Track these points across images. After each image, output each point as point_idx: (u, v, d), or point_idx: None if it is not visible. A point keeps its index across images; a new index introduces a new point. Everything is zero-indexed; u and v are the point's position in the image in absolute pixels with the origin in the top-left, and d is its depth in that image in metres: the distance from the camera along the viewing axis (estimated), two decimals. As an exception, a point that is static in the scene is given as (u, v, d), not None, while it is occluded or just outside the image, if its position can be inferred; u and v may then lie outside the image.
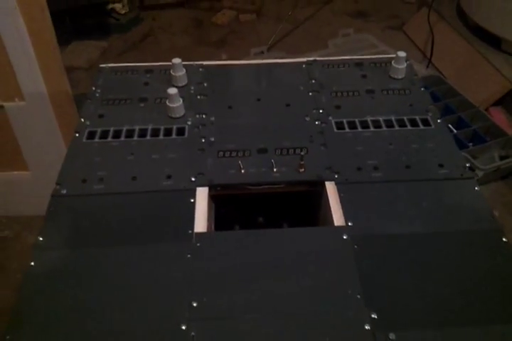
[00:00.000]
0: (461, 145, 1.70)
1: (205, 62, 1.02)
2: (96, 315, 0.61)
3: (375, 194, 0.76)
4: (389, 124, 0.87)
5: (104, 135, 0.85)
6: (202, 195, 0.76)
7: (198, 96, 0.93)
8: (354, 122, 0.87)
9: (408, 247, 0.68)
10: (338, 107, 0.91)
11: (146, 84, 0.96)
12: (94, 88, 0.96)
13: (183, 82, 0.95)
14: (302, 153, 0.80)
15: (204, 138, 0.85)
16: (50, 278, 0.65)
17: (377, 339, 0.58)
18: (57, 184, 0.77)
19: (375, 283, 0.64)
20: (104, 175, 0.78)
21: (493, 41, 2.01)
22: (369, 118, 0.88)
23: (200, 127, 0.87)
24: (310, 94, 0.94)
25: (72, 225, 0.72)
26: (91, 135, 0.86)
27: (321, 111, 0.90)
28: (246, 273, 0.65)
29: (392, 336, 0.58)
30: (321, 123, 0.87)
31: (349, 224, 0.71)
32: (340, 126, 0.87)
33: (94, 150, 0.83)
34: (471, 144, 1.75)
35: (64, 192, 0.76)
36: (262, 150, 0.82)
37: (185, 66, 0.95)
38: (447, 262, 0.67)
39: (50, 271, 0.66)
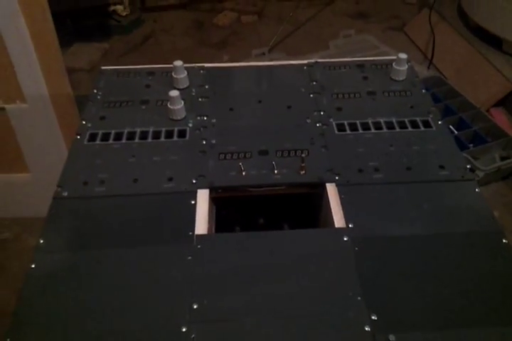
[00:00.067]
0: (462, 146, 1.70)
1: (206, 65, 1.02)
2: (97, 317, 0.61)
3: (376, 196, 0.76)
4: (390, 126, 0.87)
5: (106, 137, 0.86)
6: (203, 197, 0.76)
7: (200, 99, 0.94)
8: (355, 124, 0.87)
9: (409, 249, 0.68)
10: (339, 109, 0.91)
11: (148, 86, 0.97)
12: (95, 90, 0.96)
13: (185, 84, 0.95)
14: (303, 155, 0.80)
15: (205, 140, 0.85)
16: (51, 281, 0.65)
17: (377, 340, 0.58)
18: (58, 186, 0.77)
19: (375, 284, 0.64)
20: (105, 177, 0.79)
21: (494, 42, 2.01)
22: (370, 120, 0.88)
23: (202, 129, 0.87)
24: (311, 95, 0.94)
25: (73, 227, 0.72)
26: (92, 137, 0.86)
27: (322, 113, 0.90)
28: (247, 275, 0.65)
29: (392, 338, 0.58)
30: (322, 125, 0.87)
31: (350, 225, 0.71)
32: (341, 127, 0.87)
33: (96, 153, 0.83)
34: (471, 145, 1.75)
35: (65, 194, 0.76)
36: (263, 152, 0.82)
37: (186, 68, 0.95)
38: (448, 264, 0.67)
39: (51, 273, 0.66)
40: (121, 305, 0.62)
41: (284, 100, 0.93)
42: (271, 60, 2.13)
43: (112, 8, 2.46)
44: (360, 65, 1.01)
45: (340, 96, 0.94)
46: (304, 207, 0.86)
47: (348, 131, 0.86)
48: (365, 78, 0.98)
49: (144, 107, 0.92)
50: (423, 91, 0.95)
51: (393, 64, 0.97)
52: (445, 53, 2.17)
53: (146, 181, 0.78)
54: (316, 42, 2.34)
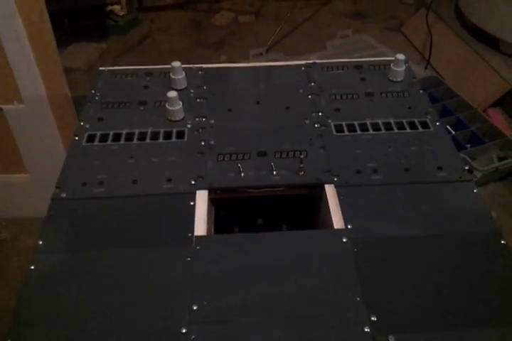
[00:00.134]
0: (460, 146, 1.70)
1: (204, 65, 1.02)
2: (96, 318, 0.61)
3: (375, 197, 0.76)
4: (388, 127, 0.87)
5: (104, 138, 0.86)
6: (202, 198, 0.76)
7: (198, 100, 0.94)
8: (353, 125, 0.87)
9: (407, 250, 0.69)
10: (337, 110, 0.91)
11: (146, 87, 0.97)
12: (93, 91, 0.96)
13: (183, 85, 0.95)
14: (302, 156, 0.80)
15: (204, 141, 0.85)
16: (50, 282, 0.65)
17: None
18: (56, 187, 0.77)
19: (374, 285, 0.64)
20: (104, 178, 0.78)
21: (491, 42, 2.01)
22: (368, 121, 0.88)
23: (200, 130, 0.87)
24: (309, 96, 0.94)
25: (72, 229, 0.72)
26: (90, 138, 0.86)
27: (320, 114, 0.90)
28: (246, 276, 0.65)
29: (391, 338, 0.59)
30: (321, 126, 0.88)
31: (349, 226, 0.71)
32: (339, 128, 0.87)
33: (94, 154, 0.83)
34: (469, 145, 1.75)
35: (64, 195, 0.76)
36: (262, 154, 0.82)
37: (184, 69, 0.95)
38: (446, 264, 0.67)
39: (50, 274, 0.66)
40: (120, 306, 0.62)
41: (282, 101, 0.93)
42: (268, 60, 2.13)
43: (109, 8, 2.45)
44: (358, 66, 1.02)
45: (339, 97, 0.94)
46: (302, 208, 0.86)
47: (347, 132, 0.86)
48: (363, 79, 0.98)
49: (142, 108, 0.92)
50: (421, 92, 0.95)
51: (391, 65, 0.97)
52: (442, 53, 2.17)
53: (144, 182, 0.78)
54: (313, 43, 2.34)
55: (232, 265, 0.67)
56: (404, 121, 0.88)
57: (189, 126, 0.88)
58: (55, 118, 1.39)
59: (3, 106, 1.36)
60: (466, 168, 0.81)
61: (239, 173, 0.79)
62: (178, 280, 0.65)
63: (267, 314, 0.61)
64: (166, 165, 0.81)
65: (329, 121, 0.89)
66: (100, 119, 0.89)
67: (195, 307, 0.61)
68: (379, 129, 0.87)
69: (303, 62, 1.03)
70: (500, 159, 1.71)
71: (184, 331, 0.59)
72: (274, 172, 0.79)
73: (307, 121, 0.89)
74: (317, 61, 1.03)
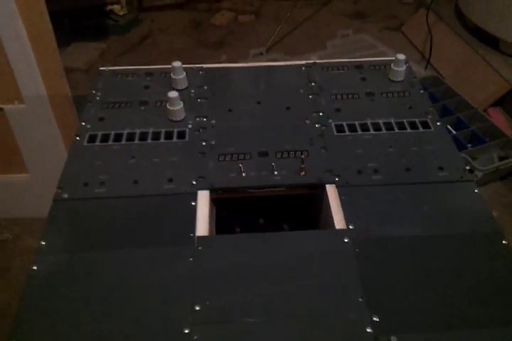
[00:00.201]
0: (460, 146, 1.70)
1: (205, 65, 1.02)
2: (98, 319, 0.61)
3: (376, 197, 0.76)
4: (389, 127, 0.87)
5: (105, 138, 0.86)
6: (203, 198, 0.76)
7: (199, 100, 0.94)
8: (354, 125, 0.87)
9: (409, 250, 0.69)
10: (338, 110, 0.91)
11: (147, 87, 0.97)
12: (94, 91, 0.96)
13: (184, 85, 0.95)
14: (303, 156, 0.80)
15: (205, 141, 0.85)
16: (52, 282, 0.65)
17: None
18: (58, 188, 0.77)
19: (376, 285, 0.64)
20: (105, 178, 0.78)
21: (491, 42, 2.02)
22: (369, 121, 0.88)
23: (201, 130, 0.87)
24: (310, 96, 0.94)
25: (74, 229, 0.72)
26: (92, 138, 0.86)
27: (321, 114, 0.90)
28: (248, 277, 0.65)
29: (393, 339, 0.59)
30: (321, 126, 0.88)
31: (350, 227, 0.71)
32: (340, 128, 0.87)
33: (95, 154, 0.83)
34: (470, 145, 1.75)
35: (65, 196, 0.76)
36: (263, 154, 0.82)
37: (185, 69, 0.95)
38: (448, 265, 0.67)
39: (52, 274, 0.66)
40: (123, 306, 0.62)
41: (282, 101, 0.93)
42: (269, 60, 2.13)
43: (109, 7, 2.45)
44: (359, 66, 1.02)
45: (339, 97, 0.94)
46: (303, 209, 0.86)
47: (347, 132, 0.86)
48: (364, 79, 0.98)
49: (143, 108, 0.92)
50: (421, 91, 0.95)
51: (391, 65, 0.97)
52: (442, 53, 2.17)
53: (146, 182, 0.78)
54: (313, 42, 2.34)
55: (234, 265, 0.67)
56: (404, 121, 0.88)
57: (190, 126, 0.88)
58: (56, 118, 1.39)
59: (3, 106, 1.36)
60: (467, 168, 0.81)
61: (240, 173, 0.79)
62: (180, 280, 0.65)
63: (269, 314, 0.61)
64: (167, 166, 0.81)
65: (330, 121, 0.89)
66: (101, 119, 0.90)
67: (197, 308, 0.62)
68: (380, 129, 0.87)
69: (303, 62, 1.03)
70: (500, 159, 1.71)
71: (187, 331, 0.59)
72: (275, 173, 0.79)
73: (308, 121, 0.89)
74: (317, 61, 1.03)
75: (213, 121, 0.89)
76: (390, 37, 2.44)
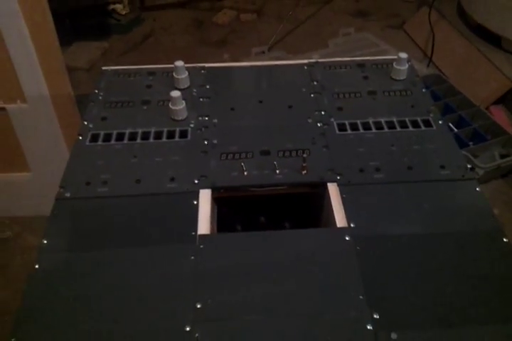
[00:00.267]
0: (462, 143, 1.71)
1: (207, 64, 1.03)
2: (100, 317, 0.62)
3: (377, 195, 0.76)
4: (391, 126, 0.87)
5: (107, 138, 0.86)
6: (205, 197, 0.76)
7: (201, 99, 0.94)
8: (356, 124, 0.88)
9: (410, 248, 0.69)
10: (340, 109, 0.91)
11: (149, 86, 0.97)
12: (96, 91, 0.96)
13: (186, 84, 0.95)
14: (304, 155, 0.80)
15: (207, 140, 0.85)
16: (55, 281, 0.65)
17: (379, 339, 0.59)
18: (60, 187, 0.78)
19: (377, 283, 0.64)
20: (107, 177, 0.79)
21: (493, 40, 2.01)
22: (371, 120, 0.88)
23: (203, 129, 0.87)
24: (312, 95, 0.94)
25: (76, 228, 0.72)
26: (94, 138, 0.86)
27: (323, 112, 0.90)
28: (249, 275, 0.66)
29: (394, 336, 0.59)
30: (323, 125, 0.88)
31: (351, 225, 0.71)
32: (342, 127, 0.87)
33: (98, 153, 0.83)
34: (471, 143, 1.75)
35: (68, 195, 0.76)
36: (265, 152, 0.83)
37: (187, 68, 0.95)
38: (449, 262, 0.67)
39: (54, 273, 0.66)
40: (125, 304, 0.63)
41: (285, 100, 0.94)
42: (271, 58, 2.13)
43: (112, 7, 2.45)
44: (361, 65, 1.02)
45: (341, 95, 0.94)
46: (305, 207, 0.87)
47: (349, 131, 0.87)
48: (366, 78, 0.98)
49: (145, 108, 0.92)
50: (423, 90, 0.95)
51: (394, 63, 0.97)
52: (444, 51, 2.17)
53: (148, 181, 0.78)
54: (315, 41, 2.34)
55: (236, 263, 0.67)
56: (406, 119, 0.89)
57: (192, 125, 0.88)
58: (58, 118, 1.40)
59: (6, 106, 1.36)
60: (469, 166, 0.81)
61: (242, 172, 0.79)
62: (181, 278, 0.65)
63: (270, 312, 0.62)
64: (169, 165, 0.81)
65: (332, 119, 0.89)
66: (104, 119, 0.90)
67: (198, 306, 0.62)
68: (382, 128, 0.87)
69: (305, 61, 1.03)
70: (502, 156, 1.71)
71: (188, 329, 0.60)
72: (277, 171, 0.79)
73: (310, 120, 0.89)
74: (319, 60, 1.04)
75: (215, 120, 0.89)
76: (392, 35, 2.43)
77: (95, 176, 0.79)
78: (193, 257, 0.67)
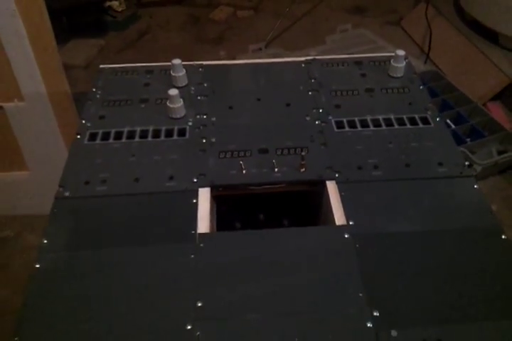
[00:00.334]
0: (460, 140, 1.71)
1: (204, 62, 1.02)
2: (101, 316, 0.62)
3: (376, 193, 0.76)
4: (388, 123, 0.88)
5: (106, 136, 0.86)
6: (204, 195, 0.76)
7: (199, 97, 0.94)
8: (354, 121, 0.88)
9: (409, 245, 0.69)
10: (337, 106, 0.91)
11: (147, 84, 0.97)
12: (94, 89, 0.96)
13: (183, 82, 0.95)
14: (303, 153, 0.80)
15: (205, 138, 0.85)
16: (55, 280, 0.66)
17: (379, 337, 0.59)
18: (60, 186, 0.78)
19: (376, 281, 0.65)
20: (106, 176, 0.79)
21: (490, 36, 2.01)
22: (369, 117, 0.88)
23: (201, 128, 0.87)
24: (310, 93, 0.94)
25: (75, 227, 0.72)
26: (92, 137, 0.86)
27: (320, 110, 0.90)
28: (249, 273, 0.66)
29: (393, 333, 0.59)
30: (321, 122, 0.88)
31: (350, 223, 0.72)
32: (340, 125, 0.87)
33: (96, 152, 0.83)
34: (469, 139, 1.76)
35: (67, 194, 0.76)
36: (263, 151, 0.83)
37: (185, 66, 0.95)
38: (447, 260, 0.68)
39: (55, 272, 0.66)
40: (125, 303, 0.63)
41: (282, 98, 0.94)
42: (268, 55, 2.13)
43: (108, 3, 2.45)
44: (358, 62, 1.02)
45: (339, 93, 0.94)
46: (304, 205, 0.87)
47: (347, 129, 0.87)
48: (363, 75, 0.99)
49: (143, 106, 0.92)
50: (421, 87, 0.96)
51: (391, 61, 0.97)
52: (442, 48, 2.17)
53: (147, 180, 0.78)
54: (312, 37, 2.34)
55: (236, 261, 0.67)
56: (404, 117, 0.89)
57: (190, 123, 0.88)
58: (56, 116, 1.40)
59: (3, 104, 1.36)
60: (467, 163, 0.81)
61: (240, 170, 0.79)
62: (182, 277, 0.65)
63: (271, 310, 0.62)
64: (167, 163, 0.81)
65: (330, 117, 0.89)
66: (102, 117, 0.90)
67: (199, 304, 0.62)
68: (379, 125, 0.87)
69: (303, 58, 1.03)
70: (499, 153, 1.71)
71: (189, 327, 0.60)
72: (276, 169, 0.79)
73: (308, 118, 0.89)
74: (317, 57, 1.04)
75: (213, 119, 0.89)
76: (390, 32, 2.43)
77: (94, 175, 0.79)
78: (192, 256, 0.68)
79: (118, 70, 1.01)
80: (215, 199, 0.81)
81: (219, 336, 0.60)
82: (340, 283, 0.65)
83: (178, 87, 0.92)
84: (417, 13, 2.38)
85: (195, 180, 0.78)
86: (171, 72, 0.95)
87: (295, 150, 0.83)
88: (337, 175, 0.79)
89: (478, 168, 1.63)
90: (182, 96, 0.89)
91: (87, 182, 0.78)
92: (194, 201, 0.75)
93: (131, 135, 0.86)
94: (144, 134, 0.86)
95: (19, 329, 0.61)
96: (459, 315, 0.62)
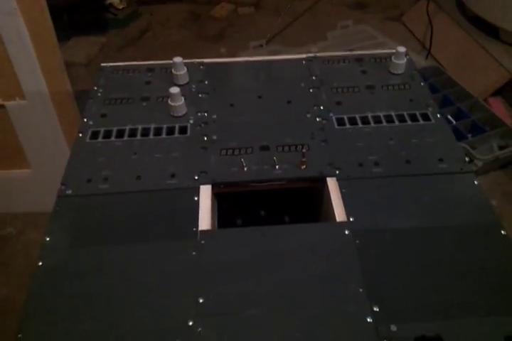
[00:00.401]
0: (461, 135, 1.71)
1: (206, 60, 1.03)
2: (104, 312, 0.62)
3: (376, 189, 0.77)
4: (389, 120, 0.88)
5: (108, 135, 0.86)
6: (205, 193, 0.77)
7: (200, 95, 0.94)
8: (355, 118, 0.88)
9: (409, 241, 0.70)
10: (338, 103, 0.91)
11: (148, 83, 0.97)
12: (96, 87, 0.96)
13: (185, 80, 0.96)
14: (304, 150, 0.81)
15: (206, 136, 0.85)
16: (58, 278, 0.66)
17: (379, 331, 0.59)
18: (62, 184, 0.78)
19: (376, 276, 0.65)
20: (108, 174, 0.79)
21: (491, 31, 2.01)
22: (369, 114, 0.89)
23: (203, 125, 0.88)
24: (311, 90, 0.95)
25: (78, 225, 0.73)
26: (94, 135, 0.86)
27: (321, 107, 0.91)
28: (250, 269, 0.67)
29: (393, 328, 0.60)
30: (322, 119, 0.88)
31: (351, 219, 0.72)
32: (340, 122, 0.88)
33: (98, 150, 0.84)
34: (470, 135, 1.75)
35: (69, 192, 0.77)
36: (264, 148, 0.83)
37: (186, 64, 0.96)
38: (447, 255, 0.68)
39: (58, 270, 0.67)
40: (128, 300, 0.63)
41: (283, 95, 0.94)
42: (269, 52, 2.13)
43: (109, 1, 2.45)
44: (359, 59, 1.02)
45: (340, 90, 0.94)
46: (305, 202, 0.87)
47: (348, 126, 0.87)
48: (364, 72, 0.99)
49: (144, 104, 0.92)
50: (422, 84, 0.96)
51: (392, 57, 0.97)
52: (443, 43, 2.17)
53: (149, 178, 0.79)
54: (313, 34, 2.33)
55: (237, 258, 0.68)
56: (405, 113, 0.89)
57: (191, 121, 0.89)
58: (57, 114, 1.40)
59: (5, 103, 1.37)
60: (467, 159, 0.81)
61: (242, 168, 0.79)
62: (184, 274, 0.66)
63: (272, 306, 0.63)
64: (169, 161, 0.81)
65: (331, 114, 0.89)
66: (103, 116, 0.90)
67: (201, 300, 0.63)
68: (380, 122, 0.88)
69: (304, 55, 1.04)
70: (500, 148, 1.71)
71: (191, 324, 0.60)
72: (277, 166, 0.79)
73: (309, 115, 0.89)
74: (318, 54, 1.04)
75: (214, 116, 0.90)
76: (391, 27, 2.42)
77: (96, 173, 0.80)
78: (194, 253, 0.68)
79: (119, 68, 1.01)
80: (217, 197, 0.81)
81: (220, 332, 0.60)
82: (340, 278, 0.65)
83: (179, 85, 0.92)
84: (418, 8, 2.38)
85: (196, 178, 0.78)
86: (172, 70, 0.95)
87: (296, 148, 0.83)
88: (338, 172, 0.79)
89: (479, 163, 1.63)
90: (183, 93, 0.89)
91: (89, 180, 0.78)
92: (195, 198, 0.76)
93: (132, 133, 0.87)
94: (145, 132, 0.87)
95: (22, 326, 0.61)
96: (459, 310, 0.62)
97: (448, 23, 2.20)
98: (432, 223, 0.72)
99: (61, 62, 1.33)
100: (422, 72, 1.87)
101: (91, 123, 0.89)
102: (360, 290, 0.64)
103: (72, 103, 1.41)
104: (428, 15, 2.20)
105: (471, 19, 2.12)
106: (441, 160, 0.81)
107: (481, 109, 1.82)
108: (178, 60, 0.93)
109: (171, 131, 0.87)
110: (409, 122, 0.87)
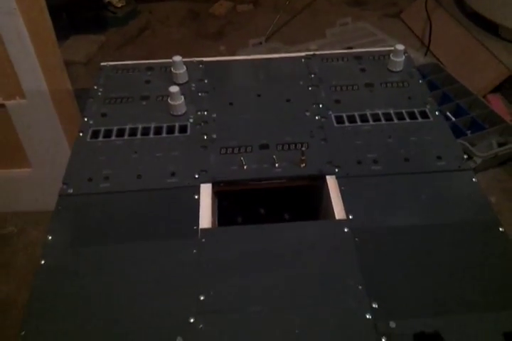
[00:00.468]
0: (460, 132, 1.71)
1: (205, 59, 1.03)
2: (106, 310, 0.63)
3: (375, 187, 0.77)
4: (388, 117, 0.88)
5: (108, 134, 0.87)
6: (206, 191, 0.77)
7: (199, 93, 0.95)
8: (353, 116, 0.88)
9: (408, 239, 0.70)
10: (337, 101, 0.92)
11: (148, 82, 0.97)
12: (95, 87, 0.97)
13: (184, 79, 0.96)
14: (303, 148, 0.81)
15: (206, 135, 0.86)
16: (60, 276, 0.67)
17: (378, 328, 0.60)
18: (63, 183, 0.79)
19: (375, 273, 0.66)
20: (109, 173, 0.80)
21: (490, 28, 2.01)
22: (368, 112, 0.89)
23: (202, 124, 0.88)
24: (310, 88, 0.95)
25: (79, 223, 0.73)
26: (95, 134, 0.87)
27: (320, 105, 0.91)
28: (250, 267, 0.67)
29: (392, 324, 0.60)
30: (321, 117, 0.89)
31: (350, 217, 0.73)
32: (339, 120, 0.88)
33: (99, 149, 0.84)
34: (469, 132, 1.76)
35: (70, 191, 0.78)
36: (264, 146, 0.83)
37: (185, 63, 0.96)
38: (446, 253, 0.68)
39: (60, 268, 0.68)
40: (129, 298, 0.64)
41: (283, 93, 0.94)
42: (268, 49, 2.13)
43: (107, -1, 2.45)
44: (358, 57, 1.02)
45: (339, 88, 0.95)
46: (304, 200, 0.88)
47: (347, 124, 0.87)
48: (363, 70, 0.99)
49: (144, 103, 0.93)
50: (420, 81, 0.96)
51: (390, 55, 0.98)
52: (442, 40, 2.17)
53: (149, 177, 0.79)
54: (312, 31, 2.33)
55: (237, 256, 0.68)
56: (403, 111, 0.89)
57: (191, 120, 0.89)
58: (57, 113, 1.40)
59: (5, 102, 1.37)
60: (465, 157, 0.82)
61: (241, 166, 0.80)
62: (185, 271, 0.66)
63: (272, 303, 0.63)
64: (169, 160, 0.82)
65: (330, 112, 0.90)
66: (104, 115, 0.91)
67: (202, 298, 0.63)
68: (379, 120, 0.88)
69: (303, 53, 1.04)
70: (500, 145, 1.71)
71: (192, 321, 0.61)
72: (276, 165, 0.80)
73: (308, 113, 0.90)
74: (317, 52, 1.04)
75: (214, 115, 0.90)
76: (390, 24, 2.42)
77: (97, 172, 0.80)
78: (195, 251, 0.69)
79: (119, 67, 1.01)
80: (217, 195, 0.82)
81: (221, 329, 0.61)
82: (340, 275, 0.66)
83: (178, 84, 0.93)
84: (417, 5, 2.37)
85: (196, 176, 0.79)
86: (172, 69, 0.95)
87: (295, 146, 0.83)
88: (337, 170, 0.79)
89: (479, 160, 1.63)
90: (183, 92, 0.89)
91: (90, 179, 0.79)
92: (196, 197, 0.76)
93: (133, 132, 0.87)
94: (145, 131, 0.87)
95: (25, 324, 0.62)
96: (457, 306, 0.62)
97: (447, 19, 2.19)
98: (431, 220, 0.72)
99: (61, 61, 1.33)
100: (421, 68, 1.87)
101: (91, 122, 0.89)
102: (360, 287, 0.64)
103: (73, 102, 1.42)
104: (427, 11, 2.20)
105: (470, 16, 2.12)
106: (439, 157, 0.81)
107: (481, 106, 1.82)
108: (177, 58, 0.93)
109: (170, 130, 0.87)
110: (407, 120, 0.88)
